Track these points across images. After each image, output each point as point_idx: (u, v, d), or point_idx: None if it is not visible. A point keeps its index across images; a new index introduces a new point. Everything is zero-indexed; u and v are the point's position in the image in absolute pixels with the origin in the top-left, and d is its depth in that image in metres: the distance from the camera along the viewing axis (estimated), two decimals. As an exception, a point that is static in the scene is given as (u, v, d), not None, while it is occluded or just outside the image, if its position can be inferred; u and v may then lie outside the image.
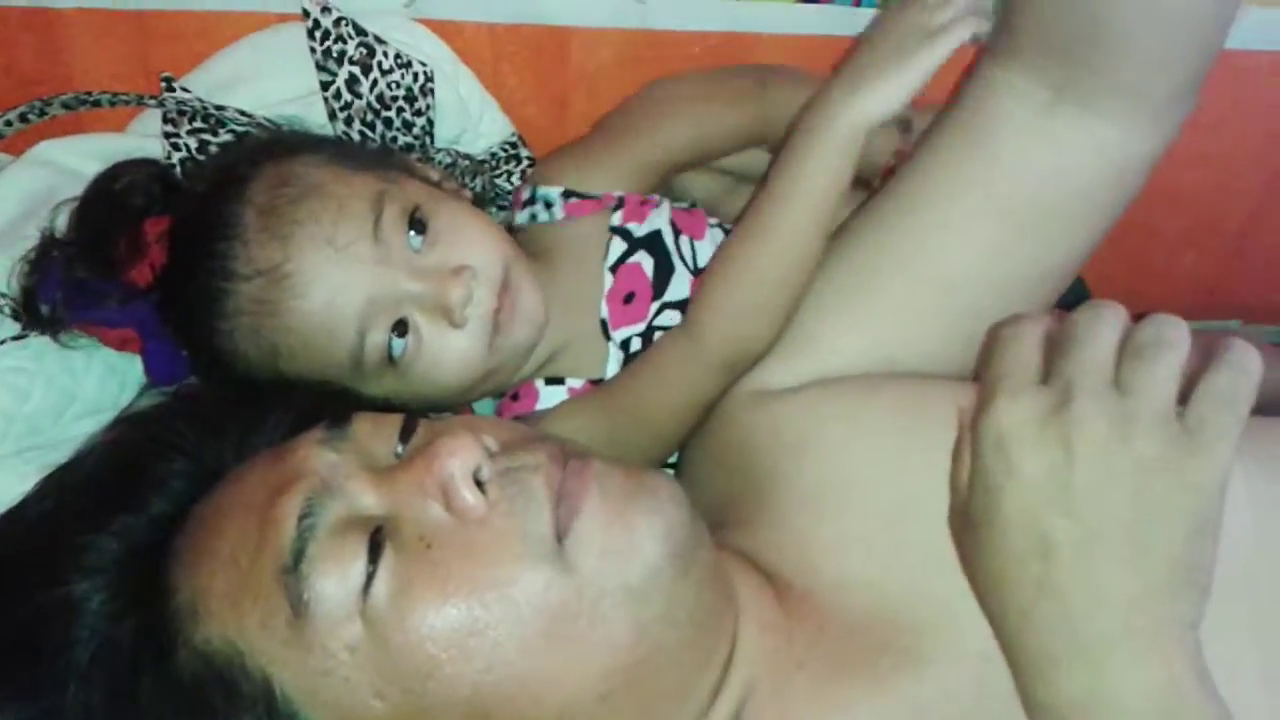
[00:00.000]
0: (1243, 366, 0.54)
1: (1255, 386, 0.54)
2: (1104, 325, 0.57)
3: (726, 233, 0.92)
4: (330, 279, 0.73)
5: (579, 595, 0.55)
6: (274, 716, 0.56)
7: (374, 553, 0.55)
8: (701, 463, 0.79)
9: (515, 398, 0.86)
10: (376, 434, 0.61)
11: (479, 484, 0.57)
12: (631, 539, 0.57)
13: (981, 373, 0.61)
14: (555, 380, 0.86)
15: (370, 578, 0.55)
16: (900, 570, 0.63)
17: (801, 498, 0.69)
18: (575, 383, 0.85)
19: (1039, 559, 0.54)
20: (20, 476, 0.75)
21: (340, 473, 0.59)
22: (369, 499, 0.58)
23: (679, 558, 0.57)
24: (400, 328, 0.75)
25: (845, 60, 0.78)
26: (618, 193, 0.90)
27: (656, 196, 0.93)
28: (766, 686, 0.62)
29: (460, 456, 0.57)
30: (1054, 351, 0.58)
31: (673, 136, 0.91)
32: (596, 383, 0.85)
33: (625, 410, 0.81)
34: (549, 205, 0.90)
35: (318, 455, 0.59)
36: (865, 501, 0.66)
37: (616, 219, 0.89)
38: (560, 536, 0.56)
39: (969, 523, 0.58)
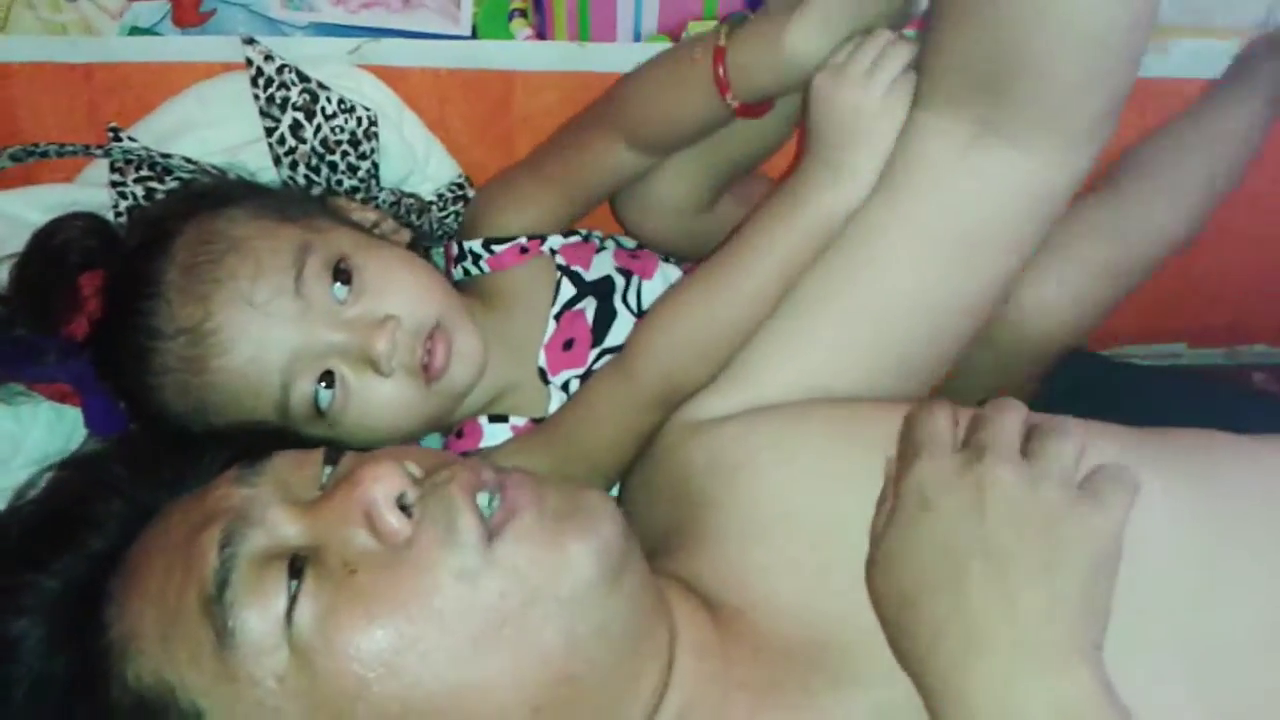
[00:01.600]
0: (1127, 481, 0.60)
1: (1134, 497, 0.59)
2: (1011, 411, 0.63)
3: (687, 273, 0.93)
4: (252, 336, 0.74)
5: (506, 599, 0.56)
6: None
7: (295, 579, 0.56)
8: (641, 492, 0.81)
9: (460, 435, 0.87)
10: (297, 469, 0.63)
11: (404, 509, 0.58)
12: (564, 554, 0.58)
13: (902, 446, 0.64)
14: (499, 418, 0.87)
15: (293, 604, 0.56)
16: (827, 594, 0.65)
17: (735, 524, 0.70)
18: (519, 421, 0.86)
19: (951, 586, 0.56)
20: (-35, 526, 0.77)
21: (258, 504, 0.60)
22: (290, 529, 0.59)
23: (612, 572, 0.59)
24: (327, 379, 0.76)
25: (802, 147, 0.79)
26: (537, 233, 0.91)
27: (597, 239, 0.94)
28: (704, 708, 0.63)
29: (383, 484, 0.58)
30: (968, 431, 0.63)
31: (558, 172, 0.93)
32: (538, 421, 0.86)
33: (564, 445, 0.82)
34: (476, 259, 0.92)
35: (235, 492, 0.61)
36: (794, 525, 0.68)
37: (560, 260, 0.90)
38: (491, 537, 0.57)
39: (884, 565, 0.60)
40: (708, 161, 0.92)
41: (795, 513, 0.69)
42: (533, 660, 0.57)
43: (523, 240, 0.92)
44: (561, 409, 0.84)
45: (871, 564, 0.62)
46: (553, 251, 0.92)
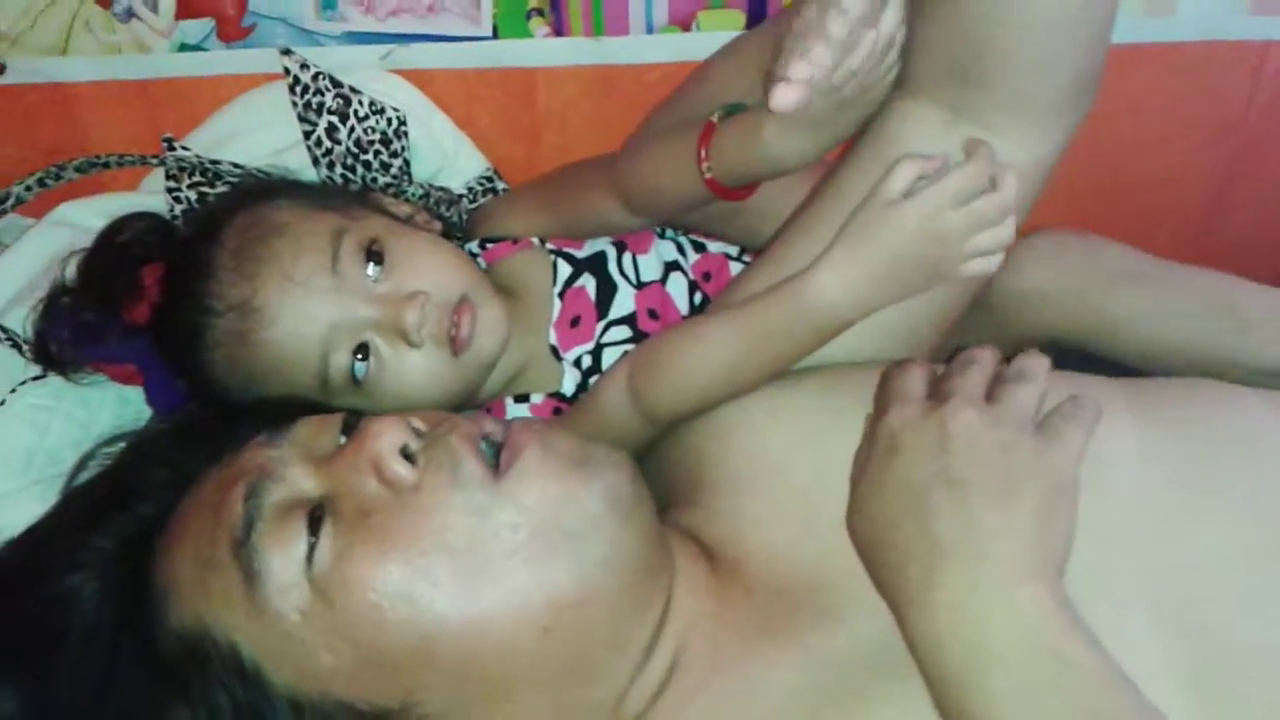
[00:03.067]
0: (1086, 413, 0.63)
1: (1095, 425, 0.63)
2: (978, 361, 0.67)
3: (679, 244, 0.98)
4: (292, 309, 0.81)
5: (514, 530, 0.61)
6: (244, 682, 0.63)
7: (315, 526, 0.62)
8: (646, 460, 0.84)
9: (486, 412, 0.93)
10: (319, 432, 0.69)
11: (408, 458, 0.64)
12: (570, 491, 0.63)
13: (878, 401, 0.68)
14: (522, 398, 0.92)
15: (312, 548, 0.62)
16: (814, 538, 0.69)
17: (730, 479, 0.75)
18: (538, 398, 0.92)
19: (916, 515, 0.60)
20: (43, 504, 0.83)
21: (281, 463, 0.66)
22: (308, 483, 0.65)
23: (620, 507, 0.63)
24: (362, 351, 0.82)
25: (847, 244, 0.73)
26: (533, 238, 0.96)
27: None
28: (699, 644, 0.68)
29: (387, 435, 0.64)
30: (939, 380, 0.67)
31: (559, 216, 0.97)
32: (554, 395, 0.92)
33: None
34: (473, 256, 0.97)
35: (261, 453, 0.67)
36: (785, 478, 0.73)
37: (550, 245, 0.95)
38: (500, 475, 0.62)
39: (859, 507, 0.65)
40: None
41: (786, 466, 0.73)
42: (541, 587, 0.61)
43: (511, 238, 0.98)
44: (576, 408, 0.88)
45: (850, 511, 0.66)
46: (542, 241, 0.97)
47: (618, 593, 0.64)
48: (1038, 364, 0.67)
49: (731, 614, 0.69)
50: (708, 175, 0.84)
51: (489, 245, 0.97)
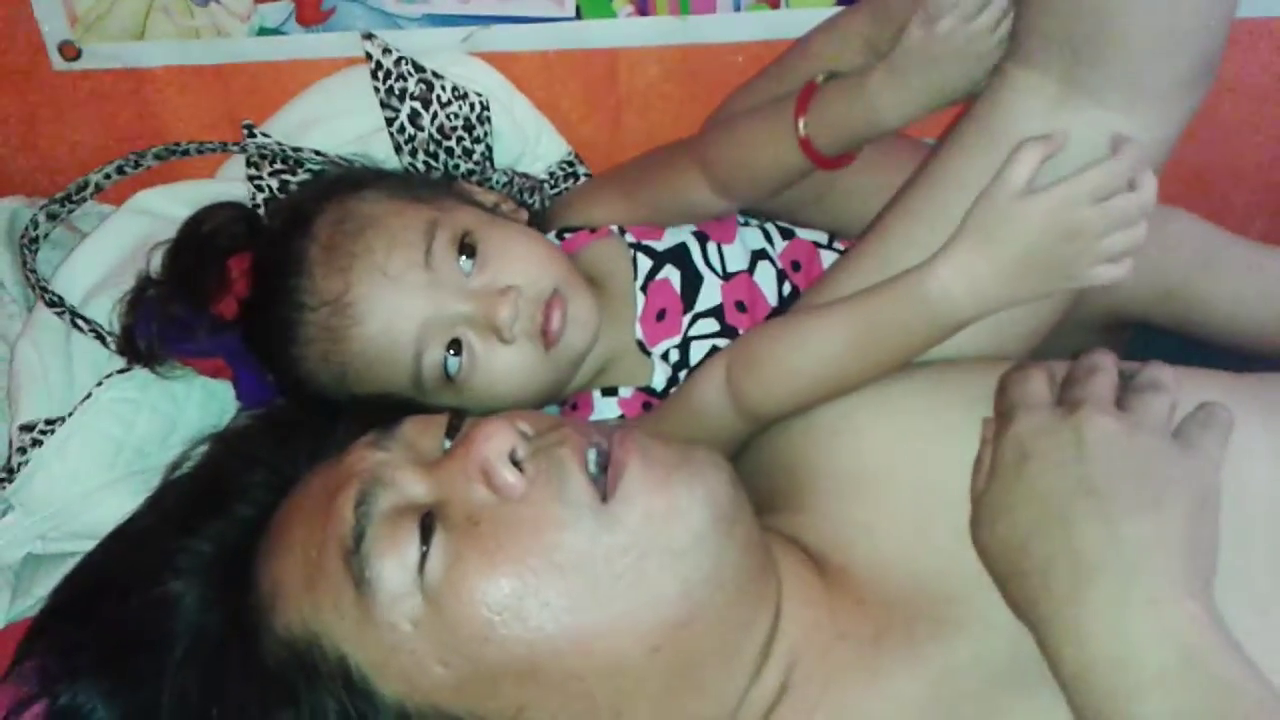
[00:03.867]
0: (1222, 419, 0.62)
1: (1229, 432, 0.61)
2: (1104, 367, 0.64)
3: (765, 232, 0.95)
4: (386, 305, 0.79)
5: (624, 553, 0.59)
6: (351, 691, 0.61)
7: (426, 534, 0.60)
8: (739, 460, 0.82)
9: (574, 407, 0.91)
10: (424, 433, 0.67)
11: (516, 464, 0.62)
12: (674, 503, 0.60)
13: (998, 407, 0.66)
14: (610, 391, 0.90)
15: (424, 556, 0.60)
16: (929, 546, 0.66)
17: (835, 483, 0.72)
18: (626, 392, 0.90)
19: (1057, 526, 0.57)
20: (131, 497, 0.83)
21: (390, 467, 0.64)
22: (418, 488, 0.63)
23: (723, 521, 0.61)
24: (455, 346, 0.81)
25: (971, 238, 0.69)
26: (614, 225, 0.94)
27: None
28: (811, 654, 0.66)
29: (496, 440, 0.62)
30: (1062, 388, 0.64)
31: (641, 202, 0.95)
32: (644, 389, 0.90)
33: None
34: None
35: (369, 455, 0.65)
36: (894, 484, 0.70)
37: (630, 238, 0.93)
38: (605, 498, 0.60)
39: (989, 519, 0.62)
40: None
41: (895, 469, 0.70)
42: (649, 607, 0.59)
43: (589, 228, 0.95)
44: (669, 403, 0.86)
45: (975, 522, 0.63)
46: (621, 230, 0.94)
47: (725, 607, 0.62)
48: (1167, 372, 0.64)
49: (844, 624, 0.66)
50: (803, 134, 0.82)
51: (566, 235, 0.95)
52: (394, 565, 0.60)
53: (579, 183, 1.05)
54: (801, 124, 0.83)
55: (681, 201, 0.93)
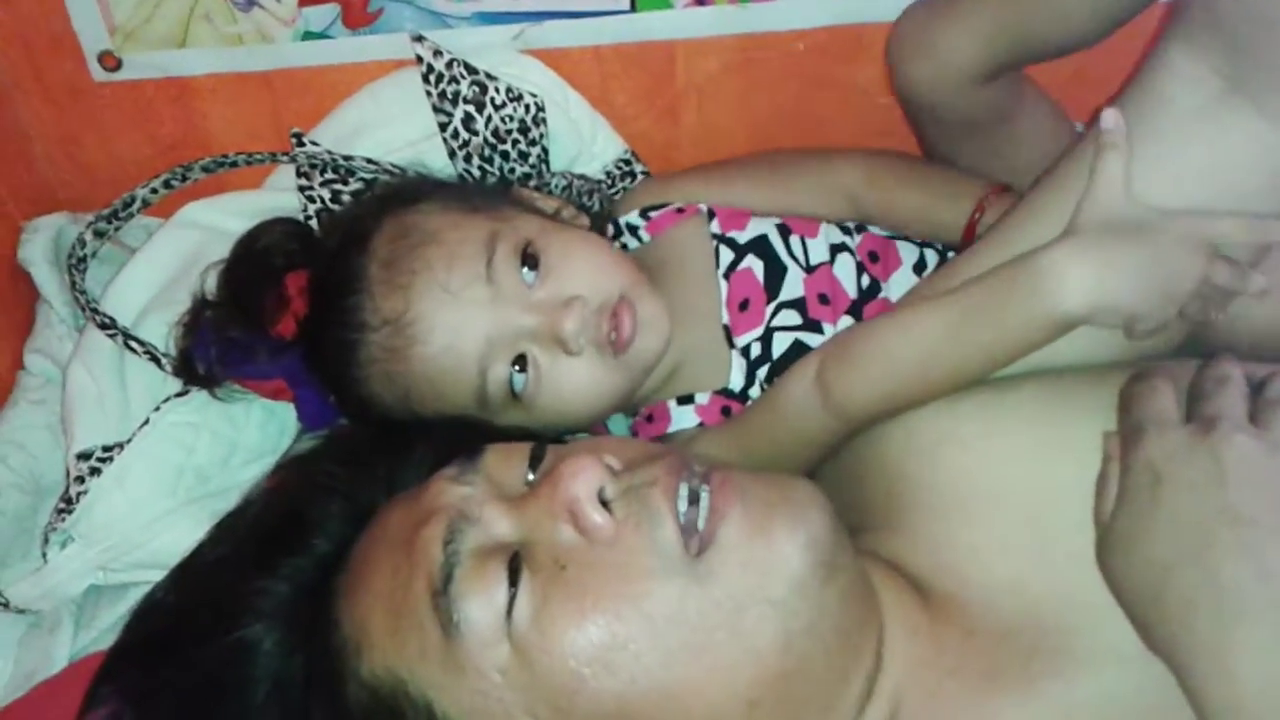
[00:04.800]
0: None
1: None
2: (1234, 377, 0.60)
3: (844, 230, 0.92)
4: (449, 323, 0.76)
5: (719, 606, 0.56)
6: None
7: (513, 576, 0.58)
8: (831, 472, 0.79)
9: (650, 419, 0.88)
10: (507, 465, 0.64)
11: (604, 504, 0.59)
12: (774, 550, 0.57)
13: (1123, 423, 0.62)
14: (685, 400, 0.87)
15: (512, 600, 0.57)
16: (1046, 572, 0.63)
17: (939, 502, 0.68)
18: (703, 398, 0.86)
19: (1199, 558, 0.54)
20: (194, 524, 0.81)
21: (474, 503, 0.61)
22: (503, 526, 0.60)
23: (823, 567, 0.58)
24: (520, 362, 0.78)
25: (1096, 226, 0.66)
26: (700, 205, 0.91)
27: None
28: (917, 693, 0.62)
29: (583, 478, 0.59)
30: (1190, 400, 0.60)
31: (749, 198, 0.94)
32: (722, 393, 0.86)
33: (752, 447, 0.81)
34: (633, 230, 0.93)
35: (452, 490, 0.62)
36: (1005, 503, 0.65)
37: (715, 227, 0.90)
38: (702, 548, 0.57)
39: (1122, 547, 0.58)
40: (1002, 24, 0.84)
41: (1006, 488, 0.66)
42: (747, 660, 0.57)
43: (678, 204, 0.93)
44: (752, 407, 0.83)
45: (1104, 548, 0.60)
46: (710, 212, 0.91)
47: (826, 655, 0.59)
48: None
49: (952, 659, 0.62)
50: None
51: (651, 214, 0.92)
52: (481, 607, 0.57)
53: (635, 181, 1.01)
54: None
55: (815, 179, 0.94)
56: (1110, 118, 0.66)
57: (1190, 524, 0.55)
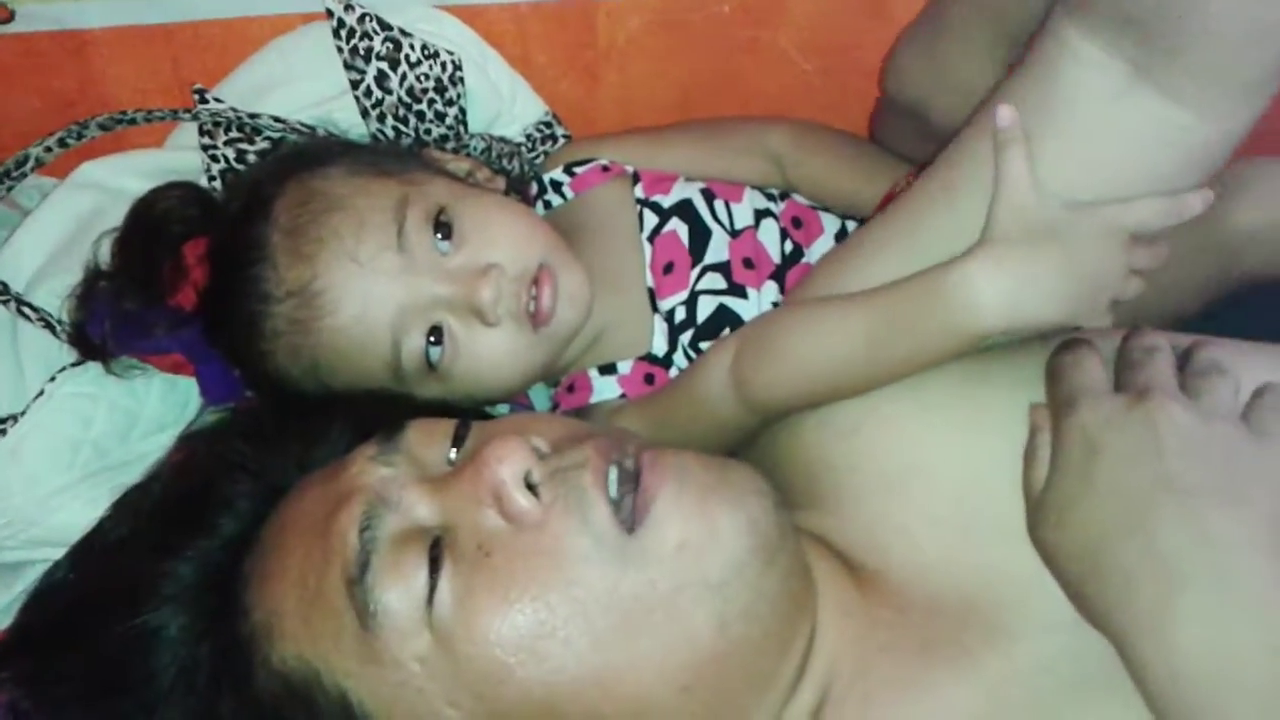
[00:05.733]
0: None
1: None
2: (1162, 347, 0.60)
3: (768, 196, 0.90)
4: (358, 293, 0.73)
5: (653, 588, 0.55)
6: None
7: (434, 564, 0.56)
8: (751, 455, 0.77)
9: (571, 389, 0.86)
10: (429, 442, 0.62)
11: (531, 487, 0.57)
12: (713, 532, 0.56)
13: (1052, 394, 0.61)
14: (607, 369, 0.85)
15: (433, 589, 0.55)
16: (975, 547, 0.63)
17: (863, 482, 0.67)
18: (625, 367, 0.85)
19: (1137, 528, 0.54)
20: (90, 501, 0.78)
21: (395, 485, 0.59)
22: (424, 510, 0.58)
23: (764, 550, 0.57)
24: (435, 333, 0.75)
25: (1010, 238, 0.64)
26: (628, 167, 0.90)
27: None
28: (850, 671, 0.62)
29: (509, 462, 0.57)
30: (1118, 370, 0.61)
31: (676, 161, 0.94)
32: (645, 359, 0.85)
33: (668, 425, 0.79)
34: (557, 186, 0.91)
35: (371, 470, 0.60)
36: (931, 478, 0.65)
37: (639, 192, 0.88)
38: (633, 528, 0.56)
39: (1056, 519, 0.58)
40: (996, 34, 0.83)
41: (931, 464, 0.65)
42: (681, 644, 0.55)
43: (604, 160, 0.91)
44: (670, 388, 0.81)
45: (1037, 520, 0.59)
46: (635, 176, 0.89)
47: (762, 639, 0.58)
48: (1225, 350, 0.60)
49: (885, 636, 0.62)
50: None
51: (576, 170, 0.90)
52: (401, 599, 0.55)
53: (556, 145, 0.99)
54: None
55: (746, 143, 0.94)
56: (1005, 115, 0.64)
57: (1128, 493, 0.55)
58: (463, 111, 0.94)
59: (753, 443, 0.75)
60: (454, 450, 0.61)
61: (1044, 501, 0.59)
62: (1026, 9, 0.79)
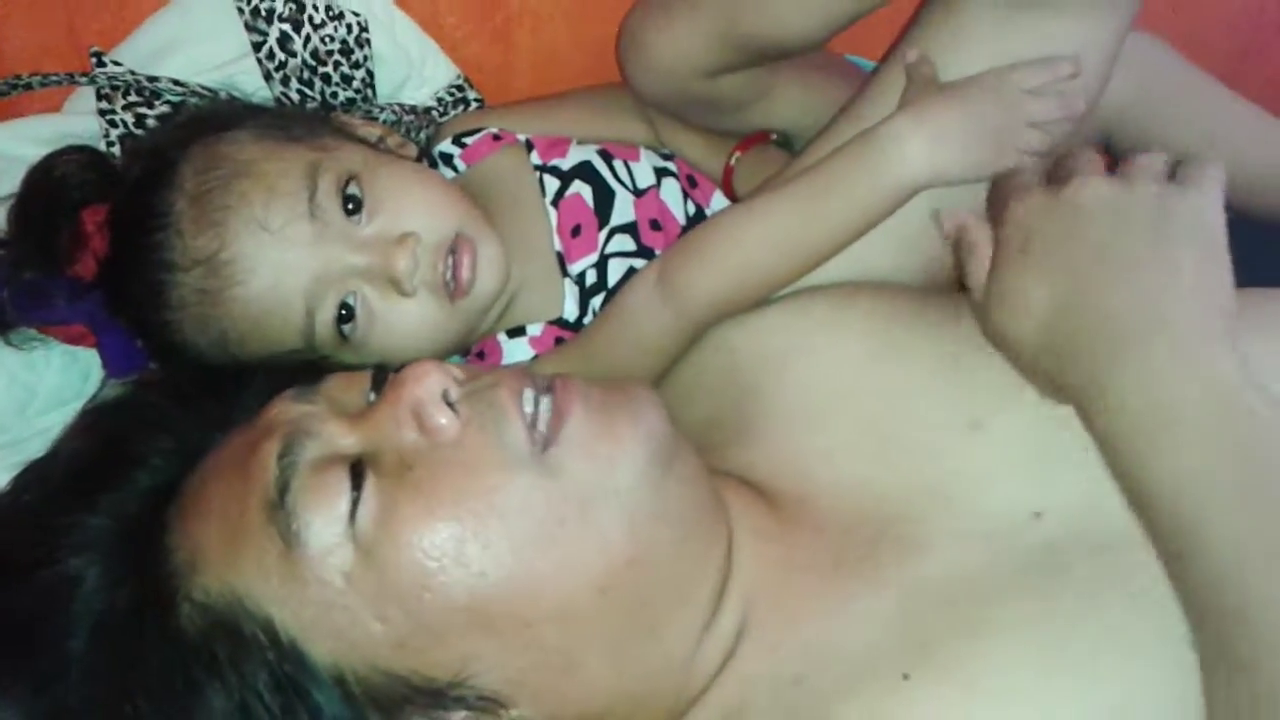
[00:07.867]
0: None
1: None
2: (1088, 151, 0.66)
3: (664, 155, 0.91)
4: (269, 262, 0.72)
5: (566, 498, 0.58)
6: (281, 656, 0.56)
7: (356, 481, 0.57)
8: (681, 387, 0.79)
9: (481, 355, 0.86)
10: (349, 389, 0.63)
11: (449, 406, 0.59)
12: (617, 443, 0.59)
13: (991, 202, 0.68)
14: (516, 331, 0.85)
15: (355, 504, 0.56)
16: (891, 466, 0.66)
17: (788, 410, 0.71)
18: (535, 329, 0.84)
19: (1076, 298, 0.60)
20: (-12, 475, 0.76)
21: (314, 419, 0.60)
22: (346, 439, 0.60)
23: (663, 454, 0.60)
24: (348, 304, 0.75)
25: (926, 100, 0.72)
26: (521, 136, 0.89)
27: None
28: (769, 591, 0.64)
29: (426, 381, 0.59)
30: (1051, 170, 0.67)
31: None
32: (556, 323, 0.85)
33: (598, 359, 0.80)
34: (448, 159, 0.90)
35: (291, 407, 0.61)
36: (849, 406, 0.69)
37: (535, 159, 0.88)
38: (547, 445, 0.58)
39: (1002, 306, 0.64)
40: (720, 28, 0.83)
41: (852, 392, 0.69)
42: (595, 548, 0.58)
43: (493, 129, 0.90)
44: (595, 324, 0.82)
45: (987, 312, 0.64)
46: (528, 144, 0.89)
47: (672, 544, 0.60)
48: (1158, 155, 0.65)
49: (803, 557, 0.65)
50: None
51: (466, 141, 0.89)
52: (323, 516, 0.56)
53: (470, 109, 0.97)
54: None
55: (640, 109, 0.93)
56: (912, 55, 0.73)
57: (1064, 268, 0.60)
58: (370, 74, 0.92)
59: (683, 375, 0.78)
60: (373, 395, 0.62)
61: (990, 293, 0.64)
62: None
